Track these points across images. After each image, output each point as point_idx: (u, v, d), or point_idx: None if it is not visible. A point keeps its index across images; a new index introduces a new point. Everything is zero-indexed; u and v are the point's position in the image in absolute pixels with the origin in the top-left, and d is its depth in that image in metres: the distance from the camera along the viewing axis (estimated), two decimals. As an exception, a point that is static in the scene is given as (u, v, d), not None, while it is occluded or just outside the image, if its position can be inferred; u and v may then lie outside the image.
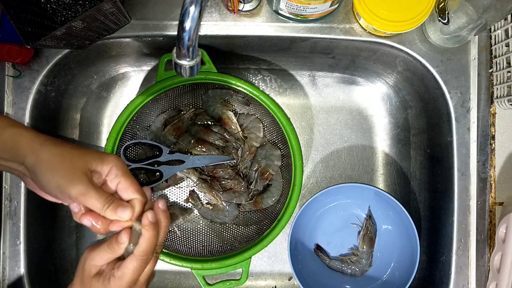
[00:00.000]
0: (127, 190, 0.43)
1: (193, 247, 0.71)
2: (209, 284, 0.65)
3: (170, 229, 0.72)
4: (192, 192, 0.75)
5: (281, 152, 0.73)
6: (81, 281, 0.43)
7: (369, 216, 0.74)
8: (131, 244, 0.43)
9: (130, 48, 0.69)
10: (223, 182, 0.73)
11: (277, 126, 0.69)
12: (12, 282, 0.64)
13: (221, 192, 0.73)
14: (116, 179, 0.43)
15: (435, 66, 0.64)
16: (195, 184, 0.74)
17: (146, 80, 0.79)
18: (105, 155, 0.44)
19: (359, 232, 0.75)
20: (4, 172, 0.64)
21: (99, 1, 0.62)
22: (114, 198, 0.42)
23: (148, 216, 0.43)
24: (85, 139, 0.77)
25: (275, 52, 0.72)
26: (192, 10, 0.38)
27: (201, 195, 0.75)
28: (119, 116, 0.66)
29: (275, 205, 0.72)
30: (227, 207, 0.73)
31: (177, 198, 0.76)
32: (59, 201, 0.45)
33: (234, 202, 0.73)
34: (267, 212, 0.73)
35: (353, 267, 0.74)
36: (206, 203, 0.75)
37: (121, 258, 0.44)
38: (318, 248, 0.75)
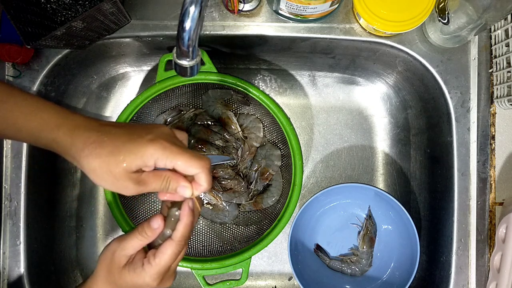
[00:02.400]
0: (186, 170, 0.40)
1: (193, 247, 0.71)
2: (209, 284, 0.65)
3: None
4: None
5: (281, 152, 0.73)
6: (108, 273, 0.42)
7: (369, 216, 0.74)
8: (168, 230, 0.42)
9: (130, 48, 0.69)
10: (223, 182, 0.73)
11: (277, 126, 0.69)
12: (12, 282, 0.64)
13: (221, 192, 0.73)
14: (170, 163, 0.40)
15: (435, 66, 0.64)
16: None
17: (146, 80, 0.79)
18: (143, 150, 0.39)
19: (359, 232, 0.75)
20: (4, 172, 0.64)
21: (99, 1, 0.62)
22: (170, 179, 0.41)
23: (189, 203, 0.42)
24: (85, 139, 0.77)
25: (275, 52, 0.72)
26: (192, 10, 0.38)
27: (201, 195, 0.75)
28: (119, 116, 0.65)
29: (275, 205, 0.72)
30: (227, 207, 0.73)
31: (177, 198, 0.76)
32: None
33: (234, 202, 0.73)
34: (267, 212, 0.73)
35: (353, 267, 0.74)
36: (206, 203, 0.75)
37: (149, 248, 0.43)
38: (318, 248, 0.75)
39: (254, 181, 0.72)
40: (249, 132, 0.74)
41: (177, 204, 0.43)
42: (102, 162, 0.39)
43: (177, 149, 0.40)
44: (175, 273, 0.45)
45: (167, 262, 0.41)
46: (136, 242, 0.42)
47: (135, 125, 0.43)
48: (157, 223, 0.42)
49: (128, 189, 0.40)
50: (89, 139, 0.39)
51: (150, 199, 0.74)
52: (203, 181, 0.41)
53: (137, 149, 0.39)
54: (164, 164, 0.40)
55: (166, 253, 0.41)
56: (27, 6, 0.57)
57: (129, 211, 0.68)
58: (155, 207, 0.73)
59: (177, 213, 0.42)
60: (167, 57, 0.66)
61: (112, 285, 0.43)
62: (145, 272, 0.41)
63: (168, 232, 0.42)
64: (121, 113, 0.66)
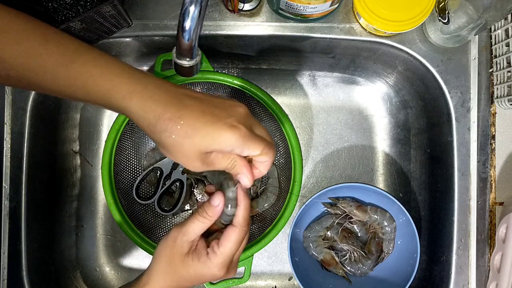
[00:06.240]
0: (258, 158, 0.39)
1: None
2: (211, 283, 0.65)
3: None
4: (191, 192, 0.75)
5: (280, 149, 0.73)
6: (169, 264, 0.41)
7: None
8: (229, 207, 0.40)
9: (130, 48, 0.69)
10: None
11: (275, 123, 0.69)
12: (12, 282, 0.64)
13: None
14: (247, 152, 0.38)
15: (435, 66, 0.64)
16: (195, 185, 0.74)
17: (146, 80, 0.79)
18: (222, 137, 0.37)
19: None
20: (4, 172, 0.64)
21: (98, 3, 0.62)
22: (236, 163, 0.39)
23: (242, 186, 0.41)
24: (85, 139, 0.77)
25: (275, 52, 0.72)
26: (192, 10, 0.38)
27: (199, 197, 0.75)
28: (115, 120, 0.65)
29: (276, 203, 0.72)
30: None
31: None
32: None
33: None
34: (261, 217, 0.72)
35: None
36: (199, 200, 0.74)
37: (209, 235, 0.42)
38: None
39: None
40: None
41: (226, 183, 0.41)
42: (175, 142, 0.37)
43: (255, 139, 0.38)
44: (237, 265, 0.43)
45: (232, 250, 0.40)
46: (197, 225, 0.40)
47: (213, 99, 0.40)
48: (218, 200, 0.40)
49: (196, 168, 0.38)
50: (163, 115, 0.37)
51: (150, 199, 0.74)
52: (265, 169, 0.40)
53: (216, 135, 0.37)
54: (240, 152, 0.38)
55: (231, 240, 0.40)
56: (28, 5, 0.56)
57: (129, 212, 0.68)
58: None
59: (231, 193, 0.40)
60: (164, 57, 0.65)
61: (172, 276, 0.41)
62: (211, 261, 0.40)
63: (229, 210, 0.40)
64: (116, 118, 0.65)
